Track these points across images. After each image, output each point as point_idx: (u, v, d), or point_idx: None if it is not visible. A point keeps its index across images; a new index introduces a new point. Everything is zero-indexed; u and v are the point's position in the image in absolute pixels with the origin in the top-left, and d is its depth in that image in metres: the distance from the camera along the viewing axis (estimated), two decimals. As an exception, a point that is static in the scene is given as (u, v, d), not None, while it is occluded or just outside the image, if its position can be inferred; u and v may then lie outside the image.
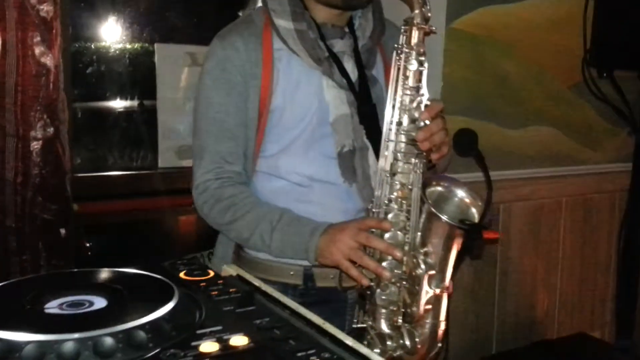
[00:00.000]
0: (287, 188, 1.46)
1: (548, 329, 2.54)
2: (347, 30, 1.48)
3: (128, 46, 2.46)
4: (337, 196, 1.45)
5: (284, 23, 1.41)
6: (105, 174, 2.42)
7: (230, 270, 1.21)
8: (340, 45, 1.45)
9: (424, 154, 1.31)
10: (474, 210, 1.34)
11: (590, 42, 2.41)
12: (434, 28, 1.33)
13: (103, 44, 2.42)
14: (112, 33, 2.42)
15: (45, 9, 1.88)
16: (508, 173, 2.39)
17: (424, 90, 1.32)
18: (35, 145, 1.92)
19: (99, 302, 0.85)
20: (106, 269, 0.93)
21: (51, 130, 1.95)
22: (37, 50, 1.88)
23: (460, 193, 1.37)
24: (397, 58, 1.32)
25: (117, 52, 2.44)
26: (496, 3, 2.25)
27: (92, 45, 2.41)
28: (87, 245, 2.27)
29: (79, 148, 2.38)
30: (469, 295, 2.34)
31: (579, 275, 2.61)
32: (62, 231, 2.00)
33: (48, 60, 1.90)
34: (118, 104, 2.48)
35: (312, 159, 1.44)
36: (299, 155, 1.44)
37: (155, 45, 2.41)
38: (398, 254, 1.27)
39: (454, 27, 2.17)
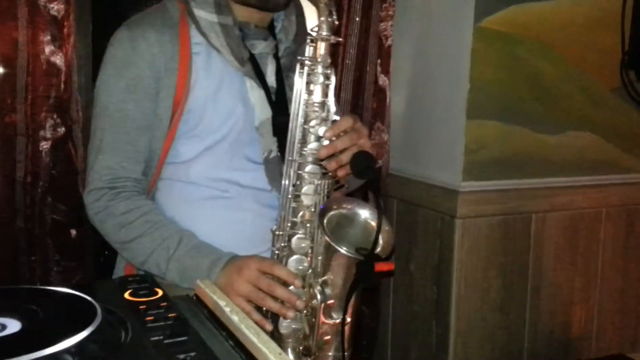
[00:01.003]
0: (208, 195, 1.28)
1: (584, 349, 2.28)
2: (269, 32, 1.33)
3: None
4: (266, 203, 1.30)
5: (205, 15, 1.24)
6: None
7: (202, 286, 1.05)
8: (262, 47, 1.30)
9: (330, 174, 1.17)
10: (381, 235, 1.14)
11: (628, 44, 2.14)
12: (340, 39, 1.24)
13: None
14: None
15: (56, 7, 1.79)
16: (544, 181, 2.15)
17: (331, 105, 1.17)
18: (45, 145, 1.83)
19: (12, 326, 0.71)
20: (25, 287, 0.79)
21: (62, 130, 1.85)
22: (48, 49, 1.79)
23: (365, 215, 1.19)
24: (301, 72, 1.17)
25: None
26: (530, 0, 2.01)
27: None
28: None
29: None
30: (498, 310, 2.11)
31: (620, 291, 2.33)
32: (73, 232, 1.91)
33: (59, 60, 1.81)
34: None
35: (237, 165, 1.28)
36: (223, 160, 1.27)
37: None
38: (298, 283, 1.14)
39: (482, 25, 1.95)
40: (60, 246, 1.88)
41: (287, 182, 1.18)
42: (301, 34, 1.33)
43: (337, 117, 1.18)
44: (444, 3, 2.06)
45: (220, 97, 1.25)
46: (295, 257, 1.18)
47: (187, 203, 1.29)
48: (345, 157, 1.13)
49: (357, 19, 2.13)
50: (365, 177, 1.13)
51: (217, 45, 1.23)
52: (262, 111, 1.28)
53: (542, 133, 2.13)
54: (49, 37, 1.78)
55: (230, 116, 1.26)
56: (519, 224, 2.08)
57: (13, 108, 1.78)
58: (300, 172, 1.18)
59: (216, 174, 1.28)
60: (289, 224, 1.18)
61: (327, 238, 1.10)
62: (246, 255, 1.19)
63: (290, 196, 1.18)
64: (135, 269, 1.29)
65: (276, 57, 1.32)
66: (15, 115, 1.78)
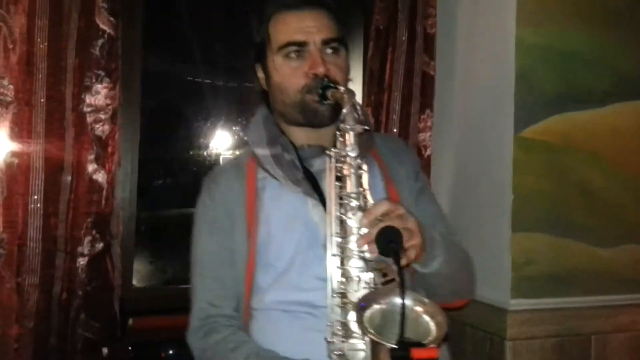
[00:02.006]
0: (287, 319, 1.23)
1: None
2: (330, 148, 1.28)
3: (194, 156, 2.38)
4: None
5: (261, 151, 1.30)
6: (167, 287, 2.24)
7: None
8: (318, 164, 1.29)
9: (375, 266, 1.08)
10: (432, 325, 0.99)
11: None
12: (366, 127, 1.16)
13: (170, 154, 2.36)
14: (179, 144, 2.37)
15: (102, 128, 1.80)
16: (602, 299, 1.91)
17: (368, 194, 1.12)
18: (83, 262, 1.78)
19: None
20: None
21: (100, 245, 1.80)
22: (91, 167, 1.79)
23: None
24: (330, 165, 1.15)
25: (184, 162, 2.36)
26: (571, 110, 1.89)
27: (160, 156, 2.34)
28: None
29: (138, 259, 2.23)
30: None
31: None
32: (105, 350, 1.81)
33: (100, 177, 1.80)
34: (186, 213, 2.36)
35: (308, 286, 1.22)
36: (294, 283, 1.24)
37: (221, 157, 2.30)
38: None
39: (522, 135, 1.83)
40: (91, 365, 1.78)
41: (330, 283, 1.11)
42: (364, 142, 1.26)
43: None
44: (483, 113, 1.97)
45: (285, 223, 1.26)
46: None
47: (267, 330, 1.27)
48: (374, 232, 1.05)
49: (395, 130, 2.06)
50: (389, 252, 0.99)
51: (274, 173, 1.27)
52: (324, 227, 1.21)
53: (596, 246, 1.92)
54: (93, 156, 1.78)
55: (295, 238, 1.25)
56: (576, 347, 1.83)
57: (55, 224, 1.76)
58: (344, 267, 1.10)
59: (289, 297, 1.25)
60: (340, 329, 1.10)
61: (368, 334, 0.96)
62: None
63: (336, 296, 1.10)
64: None
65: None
66: (57, 231, 1.76)
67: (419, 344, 0.92)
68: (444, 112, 2.12)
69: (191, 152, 2.45)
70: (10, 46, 1.74)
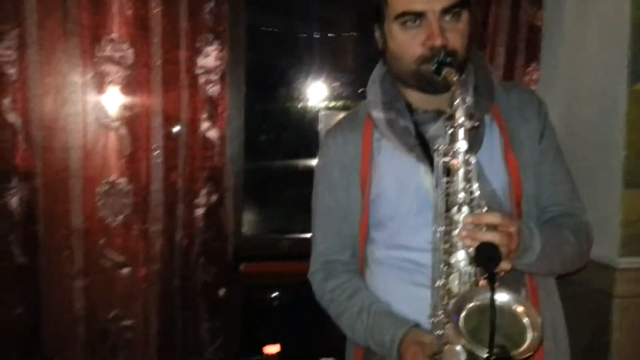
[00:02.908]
0: (398, 273, 1.26)
1: None
2: (448, 111, 1.23)
3: (295, 110, 2.41)
4: None
5: (376, 113, 1.27)
6: (273, 236, 2.33)
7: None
8: (433, 130, 1.23)
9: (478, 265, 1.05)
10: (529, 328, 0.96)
11: None
12: (476, 124, 1.09)
13: (273, 109, 2.40)
14: (280, 98, 2.40)
15: (212, 88, 1.88)
16: None
17: (475, 190, 1.08)
18: (200, 212, 1.90)
19: None
20: None
21: (215, 197, 1.91)
22: (204, 125, 1.88)
23: (505, 301, 0.99)
24: (438, 159, 1.11)
25: (286, 116, 2.40)
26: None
27: (263, 111, 2.40)
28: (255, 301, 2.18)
29: (247, 209, 2.33)
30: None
31: None
32: (221, 292, 1.94)
33: (213, 135, 1.88)
34: (289, 165, 2.42)
35: (418, 247, 1.21)
36: (405, 243, 1.25)
37: (320, 113, 2.31)
38: None
39: (637, 89, 1.69)
40: (210, 306, 1.92)
41: (434, 272, 1.12)
42: (483, 106, 1.23)
43: (483, 204, 1.08)
44: (594, 65, 1.83)
45: (398, 185, 1.26)
46: (451, 348, 1.07)
47: (379, 281, 1.31)
48: (485, 237, 1.03)
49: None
50: (486, 268, 0.98)
51: (388, 137, 1.26)
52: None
53: None
54: (205, 115, 1.87)
55: (407, 202, 1.25)
56: (689, 307, 1.73)
57: (175, 178, 1.88)
58: (447, 259, 1.10)
59: (400, 255, 1.27)
60: (441, 312, 1.11)
61: (453, 327, 0.97)
62: (409, 342, 1.17)
63: (439, 285, 1.11)
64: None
65: None
66: (177, 184, 1.88)
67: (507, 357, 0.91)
68: (551, 65, 1.99)
69: (292, 106, 2.48)
70: (129, 11, 1.83)
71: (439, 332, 1.10)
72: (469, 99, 1.10)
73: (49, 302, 1.79)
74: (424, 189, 1.21)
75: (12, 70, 1.76)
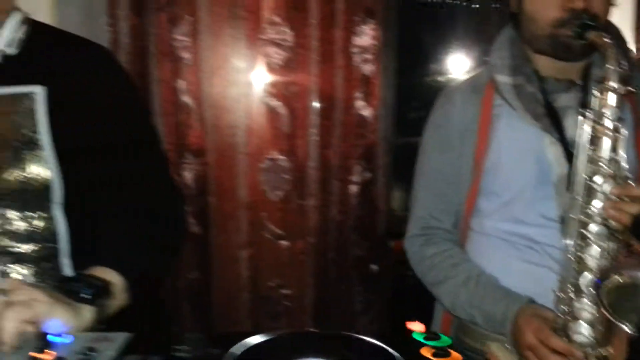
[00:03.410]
0: (506, 248, 1.20)
1: None
2: (579, 82, 1.16)
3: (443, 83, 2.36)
4: (559, 261, 1.11)
5: (502, 78, 1.19)
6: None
7: (494, 348, 0.96)
8: (563, 100, 1.15)
9: (620, 238, 0.97)
10: None
11: None
12: (632, 89, 0.99)
13: (425, 82, 2.37)
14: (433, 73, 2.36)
15: (367, 67, 1.89)
16: None
17: (622, 161, 0.98)
18: (354, 189, 1.94)
19: None
20: (344, 334, 0.82)
21: (368, 175, 1.94)
22: (358, 104, 1.90)
23: None
24: (583, 124, 1.01)
25: (434, 89, 2.35)
26: None
27: (417, 83, 2.37)
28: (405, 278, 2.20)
29: (398, 187, 2.33)
30: None
31: None
32: (374, 267, 1.97)
33: (367, 113, 1.91)
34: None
35: (532, 221, 1.16)
36: (518, 216, 1.18)
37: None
38: (578, 355, 0.99)
39: None
40: (362, 279, 1.97)
41: (568, 241, 1.04)
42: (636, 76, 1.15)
43: (630, 176, 0.99)
44: None
45: (515, 155, 1.19)
46: (577, 323, 1.01)
47: (484, 254, 1.25)
48: (632, 209, 0.95)
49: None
50: None
51: (513, 104, 1.19)
52: (559, 167, 1.16)
53: None
54: (359, 94, 1.89)
55: (525, 172, 1.19)
56: None
57: (330, 155, 1.93)
58: (583, 231, 1.02)
59: (511, 228, 1.21)
60: (571, 287, 1.03)
61: (605, 312, 0.91)
62: (528, 316, 1.09)
63: (572, 257, 1.02)
64: (451, 316, 1.28)
65: (584, 107, 1.17)
66: (331, 161, 1.93)
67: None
68: None
69: (441, 80, 2.42)
70: (289, -5, 1.90)
71: (565, 307, 1.03)
72: (624, 63, 1.00)
73: (218, 269, 1.94)
74: (547, 161, 1.14)
75: (186, 55, 1.90)
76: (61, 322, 0.77)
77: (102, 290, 0.84)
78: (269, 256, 1.96)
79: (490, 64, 1.23)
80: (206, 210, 1.92)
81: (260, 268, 1.95)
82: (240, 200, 1.93)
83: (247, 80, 1.94)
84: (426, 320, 1.38)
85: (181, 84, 1.90)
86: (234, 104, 1.93)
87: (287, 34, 1.91)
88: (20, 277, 0.99)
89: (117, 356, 0.74)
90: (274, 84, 1.93)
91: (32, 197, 0.99)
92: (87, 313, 0.82)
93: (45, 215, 1.01)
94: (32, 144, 0.99)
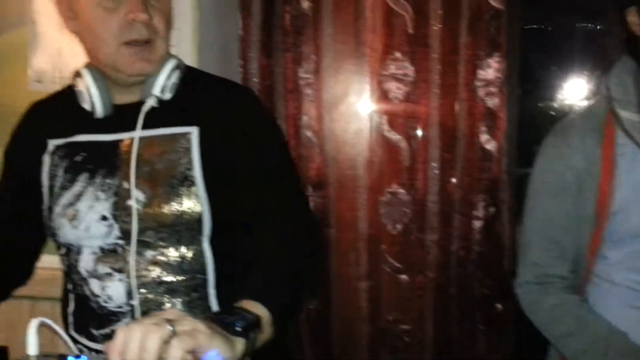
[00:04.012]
0: (635, 297, 1.12)
1: None
2: None
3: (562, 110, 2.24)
4: None
5: (628, 115, 1.08)
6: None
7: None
8: None
9: None
10: None
11: None
12: None
13: (549, 108, 2.27)
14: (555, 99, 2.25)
15: (492, 100, 1.85)
16: None
17: None
18: (477, 224, 1.88)
19: None
20: None
21: (492, 210, 1.88)
22: (482, 137, 1.86)
23: None
24: None
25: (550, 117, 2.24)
26: None
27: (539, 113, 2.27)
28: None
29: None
30: None
31: None
32: (499, 306, 1.89)
33: (491, 147, 1.86)
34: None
35: None
36: None
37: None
38: None
39: None
40: (485, 318, 1.89)
41: None
42: None
43: None
44: None
45: None
46: None
47: (613, 305, 1.16)
48: None
49: None
50: None
51: None
52: None
53: None
54: (484, 127, 1.85)
55: None
56: None
57: (452, 189, 1.90)
58: None
59: (638, 279, 1.12)
60: None
61: None
62: None
63: None
64: None
65: None
66: (454, 195, 1.89)
67: None
68: None
69: (564, 106, 2.31)
70: (410, 31, 1.91)
71: None
72: None
73: (338, 299, 1.95)
74: None
75: (309, 91, 1.97)
76: (218, 353, 0.80)
77: (253, 323, 0.86)
78: (388, 289, 1.93)
79: (611, 98, 1.13)
80: (327, 241, 1.94)
81: (379, 301, 1.93)
82: (360, 232, 1.93)
83: (367, 114, 1.96)
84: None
85: (304, 119, 1.96)
86: (355, 137, 1.96)
87: (408, 69, 1.92)
88: (172, 307, 1.05)
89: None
90: (394, 118, 1.94)
91: (185, 230, 1.05)
92: (240, 345, 0.83)
93: (195, 247, 1.06)
94: (186, 181, 1.05)
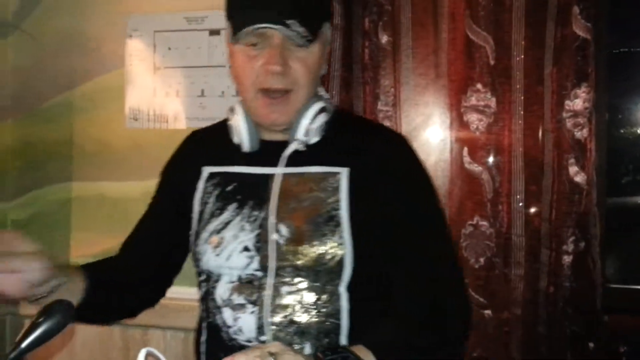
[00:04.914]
0: None
1: None
2: None
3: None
4: None
5: None
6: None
7: None
8: None
9: None
10: None
11: None
12: None
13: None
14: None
15: (580, 132, 1.79)
16: None
17: None
18: (567, 259, 1.81)
19: None
20: None
21: (582, 244, 1.80)
22: (572, 170, 1.80)
23: None
24: None
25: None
26: None
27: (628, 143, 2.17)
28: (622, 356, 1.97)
29: (613, 257, 2.12)
30: None
31: None
32: (591, 345, 1.80)
33: (581, 179, 1.79)
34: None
35: None
36: None
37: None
38: None
39: None
40: (577, 357, 1.80)
41: None
42: None
43: None
44: None
45: None
46: None
47: None
48: None
49: None
50: None
51: None
52: None
53: None
54: (572, 160, 1.79)
55: None
56: None
57: (539, 223, 1.84)
58: None
59: None
60: None
61: None
62: None
63: None
64: None
65: None
66: (541, 229, 1.83)
67: None
68: None
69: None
70: (492, 62, 1.88)
71: None
72: None
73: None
74: None
75: (388, 124, 1.96)
76: None
77: None
78: (474, 325, 1.88)
79: None
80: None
81: (465, 338, 1.88)
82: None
83: (447, 145, 1.94)
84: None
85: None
86: (434, 169, 1.94)
87: (490, 100, 1.89)
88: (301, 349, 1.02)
89: None
90: (475, 149, 1.90)
91: (325, 272, 1.03)
92: None
93: (332, 290, 1.03)
94: (332, 221, 1.03)
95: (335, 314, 1.03)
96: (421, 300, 1.00)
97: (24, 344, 0.78)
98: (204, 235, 1.11)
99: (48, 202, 2.12)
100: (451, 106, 1.92)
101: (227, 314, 1.07)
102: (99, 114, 2.07)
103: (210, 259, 1.10)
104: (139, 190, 2.02)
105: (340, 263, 1.02)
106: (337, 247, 1.02)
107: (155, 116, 1.95)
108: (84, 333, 2.00)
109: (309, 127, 1.07)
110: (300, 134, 1.08)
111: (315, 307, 1.04)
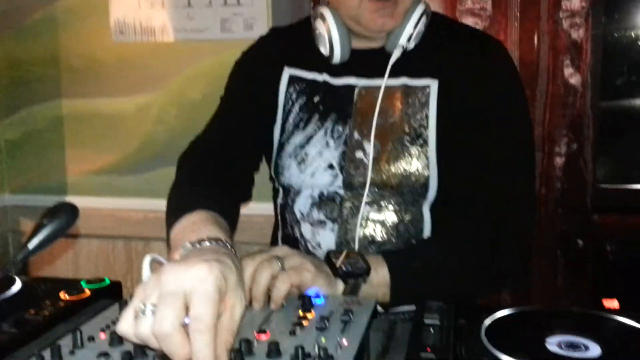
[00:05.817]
0: None
1: None
2: None
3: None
4: None
5: None
6: (629, 186, 2.11)
7: None
8: None
9: None
10: None
11: None
12: None
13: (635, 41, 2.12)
14: None
15: (577, 32, 1.76)
16: None
17: None
18: (559, 161, 1.83)
19: (593, 350, 0.71)
20: (607, 315, 0.78)
21: (575, 146, 1.82)
22: (567, 72, 1.78)
23: None
24: None
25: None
26: None
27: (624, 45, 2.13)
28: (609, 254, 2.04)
29: (604, 158, 2.14)
30: None
31: None
32: (580, 242, 1.86)
33: (575, 81, 1.78)
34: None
35: None
36: None
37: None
38: None
39: None
40: (566, 254, 1.87)
41: None
42: None
43: None
44: None
45: None
46: None
47: None
48: None
49: None
50: None
51: None
52: None
53: None
54: (568, 61, 1.76)
55: None
56: None
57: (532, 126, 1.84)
58: None
59: None
60: None
61: None
62: None
63: None
64: None
65: None
66: (534, 132, 1.84)
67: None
68: None
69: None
70: (487, -37, 1.81)
71: None
72: None
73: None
74: None
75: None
76: (319, 290, 0.83)
77: (360, 272, 0.85)
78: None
79: None
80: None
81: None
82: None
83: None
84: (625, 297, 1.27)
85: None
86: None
87: (485, 3, 1.84)
88: None
89: (370, 318, 0.79)
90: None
91: (409, 192, 0.98)
92: (339, 287, 0.85)
93: (415, 211, 0.99)
94: (418, 139, 0.97)
95: (417, 235, 1.00)
96: (479, 229, 0.93)
97: (30, 245, 0.79)
98: (288, 148, 1.05)
99: (39, 120, 2.10)
100: (447, 10, 1.87)
101: (306, 229, 1.04)
102: (84, 27, 2.00)
103: (293, 174, 1.05)
104: (132, 106, 1.99)
105: (425, 184, 0.97)
106: (423, 167, 0.97)
107: (142, 29, 1.89)
108: (88, 247, 2.04)
109: (412, 32, 0.98)
110: (403, 38, 0.98)
111: (397, 227, 0.99)
